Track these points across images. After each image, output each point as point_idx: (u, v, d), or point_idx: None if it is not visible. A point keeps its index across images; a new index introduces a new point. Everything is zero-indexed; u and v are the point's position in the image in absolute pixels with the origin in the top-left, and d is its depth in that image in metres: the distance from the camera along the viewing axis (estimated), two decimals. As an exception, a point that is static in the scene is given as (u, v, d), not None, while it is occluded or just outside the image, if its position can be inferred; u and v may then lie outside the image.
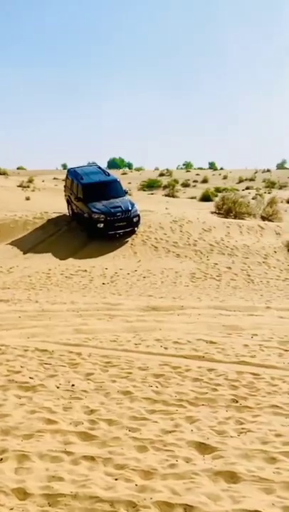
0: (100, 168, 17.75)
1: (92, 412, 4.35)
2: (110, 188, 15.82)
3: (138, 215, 15.50)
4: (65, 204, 18.22)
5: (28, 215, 18.31)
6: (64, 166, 68.44)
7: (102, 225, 14.88)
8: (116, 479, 3.22)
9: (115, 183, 16.33)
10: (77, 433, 3.91)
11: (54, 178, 44.45)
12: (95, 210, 15.04)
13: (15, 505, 2.93)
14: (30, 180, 38.54)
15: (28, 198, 29.19)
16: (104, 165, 78.97)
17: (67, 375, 5.37)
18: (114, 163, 74.20)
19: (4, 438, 3.81)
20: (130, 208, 15.29)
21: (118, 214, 14.97)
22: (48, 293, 10.75)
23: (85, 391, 4.87)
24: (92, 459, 3.49)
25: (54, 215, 18.37)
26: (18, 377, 5.24)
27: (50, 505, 2.93)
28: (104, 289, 11.12)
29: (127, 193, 16.48)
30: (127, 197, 16.32)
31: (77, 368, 5.62)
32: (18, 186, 36.22)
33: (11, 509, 2.89)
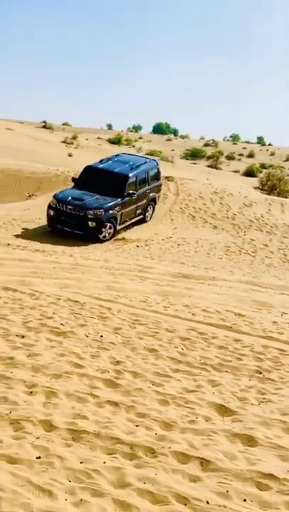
0: (132, 159, 14.78)
1: (118, 363, 4.50)
2: (110, 183, 12.72)
3: (103, 223, 11.91)
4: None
5: (70, 171, 18.42)
6: (109, 126, 67.93)
7: (52, 212, 12.16)
8: (137, 426, 3.36)
9: (121, 179, 12.85)
10: (103, 380, 4.07)
11: (98, 138, 44.25)
12: (59, 193, 12.70)
13: (41, 435, 3.11)
14: (74, 137, 38.54)
15: (70, 155, 29.34)
16: (148, 129, 77.64)
17: (96, 326, 5.53)
18: (159, 128, 72.95)
19: (34, 374, 4.00)
20: (92, 209, 11.85)
21: (70, 207, 11.88)
22: (82, 248, 10.94)
23: (112, 343, 5.02)
24: (115, 404, 3.64)
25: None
26: (50, 322, 5.44)
27: (73, 440, 3.10)
28: (138, 252, 11.21)
29: (132, 195, 12.80)
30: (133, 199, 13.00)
31: (106, 321, 5.78)
32: (62, 142, 36.34)
33: (38, 438, 3.08)
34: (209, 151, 42.77)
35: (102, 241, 11.97)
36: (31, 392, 3.68)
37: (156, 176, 14.35)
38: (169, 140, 53.54)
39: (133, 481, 2.74)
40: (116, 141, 43.57)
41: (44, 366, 4.17)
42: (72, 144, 36.16)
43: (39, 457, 2.86)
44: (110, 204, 12.23)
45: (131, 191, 12.78)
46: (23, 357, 4.35)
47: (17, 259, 8.79)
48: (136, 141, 48.39)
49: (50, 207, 12.25)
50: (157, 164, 14.64)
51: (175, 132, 70.98)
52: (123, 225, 12.89)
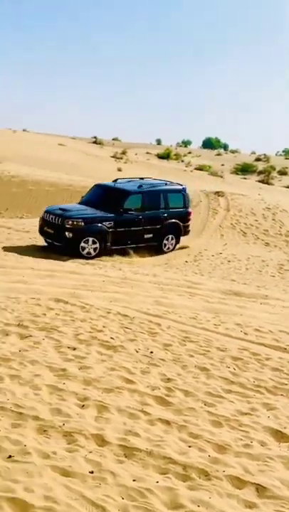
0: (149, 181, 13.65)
1: (168, 380, 4.47)
2: (110, 198, 12.00)
3: (83, 236, 11.01)
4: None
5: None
6: (158, 141, 68.84)
7: (39, 223, 11.93)
8: (189, 446, 3.32)
9: (120, 194, 12.04)
10: (154, 397, 4.06)
11: (147, 153, 44.93)
12: (54, 206, 12.67)
13: (93, 449, 3.14)
14: (124, 152, 39.33)
15: (119, 169, 29.95)
16: (198, 144, 77.75)
17: (146, 342, 5.54)
18: (209, 143, 73.00)
19: (86, 387, 4.06)
20: (71, 218, 11.13)
21: (51, 217, 11.34)
22: (130, 263, 11.04)
23: (162, 360, 5.00)
24: (167, 423, 3.61)
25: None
26: (100, 335, 5.51)
27: (126, 457, 3.11)
28: (187, 267, 11.18)
29: (128, 211, 11.70)
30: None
31: (156, 337, 5.78)
32: (112, 157, 37.23)
33: (90, 452, 3.10)
34: (261, 165, 42.21)
35: (86, 257, 10.87)
36: (83, 406, 3.73)
37: (181, 202, 12.86)
38: (218, 155, 53.44)
39: (187, 502, 2.70)
40: (165, 156, 44.04)
41: (95, 380, 4.22)
42: (121, 158, 36.91)
43: (92, 472, 2.88)
44: (96, 216, 11.41)
45: (130, 209, 11.66)
46: (75, 369, 4.42)
47: (67, 272, 9.02)
48: (185, 155, 48.67)
49: (40, 218, 11.97)
50: (183, 189, 13.12)
51: (225, 147, 70.74)
52: (120, 246, 11.49)
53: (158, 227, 12.31)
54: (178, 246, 12.85)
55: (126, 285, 8.43)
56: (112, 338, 5.47)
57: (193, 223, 14.66)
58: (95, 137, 52.22)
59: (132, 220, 11.77)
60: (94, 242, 11.14)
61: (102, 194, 12.34)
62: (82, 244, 11.00)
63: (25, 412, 3.49)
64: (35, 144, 37.84)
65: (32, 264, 9.27)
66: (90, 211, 11.67)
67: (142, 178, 13.62)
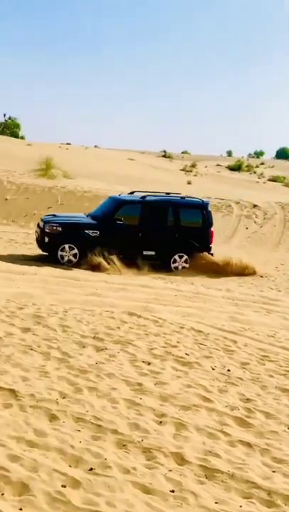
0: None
1: (248, 400, 4.35)
2: (106, 207, 11.68)
3: (60, 242, 10.70)
4: (227, 191, 18.23)
5: (190, 198, 18.80)
6: (229, 153, 68.23)
7: (36, 231, 11.82)
8: (274, 471, 3.19)
9: (114, 202, 11.53)
10: (233, 417, 3.96)
11: (217, 165, 44.65)
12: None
13: (173, 468, 3.12)
14: (193, 165, 39.41)
15: (189, 182, 30.02)
16: (272, 154, 75.82)
17: (222, 359, 5.45)
18: (283, 153, 71.07)
19: (163, 404, 4.06)
20: (50, 223, 10.91)
21: (41, 224, 11.26)
22: (203, 277, 10.93)
23: (240, 379, 4.88)
24: (248, 445, 3.50)
25: (215, 201, 18.53)
26: (174, 351, 5.50)
27: (206, 478, 3.05)
28: (262, 282, 10.87)
29: (114, 220, 10.89)
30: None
31: (233, 354, 5.66)
32: (181, 170, 37.44)
33: (170, 470, 3.09)
34: None
35: (66, 264, 10.48)
36: (161, 422, 3.73)
37: (199, 219, 11.39)
38: (293, 165, 51.80)
39: (273, 532, 2.59)
40: (236, 168, 43.51)
41: (172, 396, 4.21)
42: (191, 171, 37.00)
43: (173, 491, 2.86)
44: (77, 222, 11.09)
45: (120, 219, 10.83)
46: (151, 384, 4.45)
47: (139, 285, 9.15)
48: (257, 167, 47.76)
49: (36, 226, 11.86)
50: (204, 205, 11.56)
51: (301, 157, 68.49)
52: (112, 257, 10.41)
53: (163, 244, 11.13)
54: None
55: (199, 300, 8.37)
56: (186, 354, 5.44)
57: (269, 236, 14.32)
58: (164, 151, 52.92)
59: (123, 231, 10.90)
60: (71, 249, 10.68)
61: (104, 205, 12.03)
62: (60, 252, 10.63)
63: (104, 425, 3.55)
64: (106, 159, 39.12)
65: (105, 278, 9.52)
66: (76, 218, 11.47)
67: (168, 193, 12.30)
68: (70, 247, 10.71)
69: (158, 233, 11.16)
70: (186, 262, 11.20)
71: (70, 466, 3.02)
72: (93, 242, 10.63)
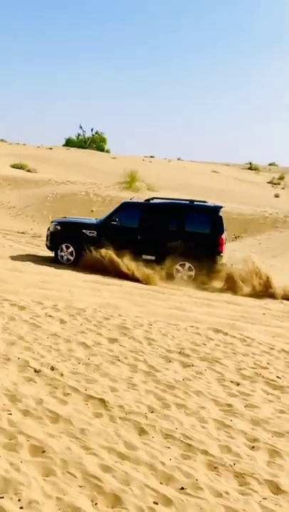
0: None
1: None
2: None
3: (58, 241, 11.36)
4: None
5: (279, 212, 18.25)
6: None
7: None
8: None
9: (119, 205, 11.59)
10: None
11: (307, 177, 42.90)
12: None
13: (268, 496, 3.00)
14: (281, 178, 38.27)
15: (277, 196, 29.18)
16: None
17: None
18: None
19: (254, 428, 3.93)
20: (54, 222, 11.78)
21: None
22: None
23: None
24: None
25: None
26: (265, 372, 5.32)
27: (305, 511, 2.89)
28: None
29: (111, 221, 11.16)
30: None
31: None
32: (268, 183, 36.53)
33: (264, 498, 2.97)
34: None
35: (63, 263, 10.98)
36: (253, 447, 3.61)
37: (207, 225, 10.59)
38: None
39: None
40: None
41: (264, 421, 4.07)
42: (278, 184, 35.96)
43: (269, 521, 2.75)
44: (76, 222, 11.66)
45: (115, 220, 11.01)
46: (241, 406, 4.33)
47: (225, 301, 9.02)
48: None
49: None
50: (213, 210, 10.76)
51: None
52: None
53: (163, 249, 10.45)
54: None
55: (289, 320, 8.05)
56: (278, 377, 5.23)
57: None
58: (249, 163, 52.02)
59: (121, 232, 10.95)
60: (67, 247, 11.17)
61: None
62: (60, 252, 11.25)
63: (194, 445, 3.52)
64: (189, 172, 39.34)
65: (188, 292, 9.51)
66: (80, 220, 12.10)
67: (192, 201, 11.36)
68: (66, 246, 11.22)
69: (159, 237, 10.77)
70: (190, 269, 10.38)
71: (161, 483, 3.03)
72: (90, 242, 10.83)
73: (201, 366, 5.30)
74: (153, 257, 10.60)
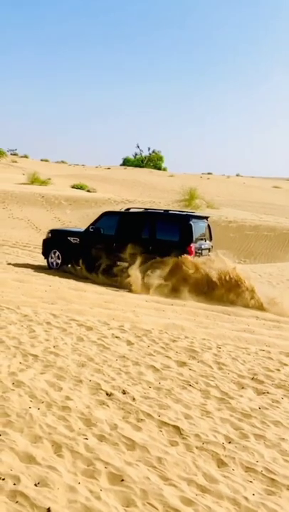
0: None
1: None
2: None
3: (48, 247, 12.78)
4: None
5: None
6: None
7: None
8: None
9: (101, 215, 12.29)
10: None
11: None
12: None
13: None
14: None
15: None
16: None
17: None
18: None
19: None
20: (47, 233, 13.54)
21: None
22: None
23: None
24: None
25: None
26: None
27: None
28: None
29: (92, 229, 11.94)
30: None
31: None
32: None
33: None
34: None
35: (53, 268, 12.29)
36: None
37: (176, 234, 10.74)
38: None
39: None
40: None
41: None
42: None
43: None
44: (64, 230, 13.11)
45: (97, 227, 11.79)
46: None
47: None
48: None
49: None
50: (184, 219, 10.85)
51: None
52: (91, 267, 11.37)
53: (136, 256, 10.64)
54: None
55: None
56: None
57: None
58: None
59: (100, 240, 11.59)
60: (54, 253, 12.39)
61: None
62: (50, 259, 12.49)
63: (278, 480, 3.35)
64: (249, 187, 38.79)
65: (256, 313, 9.25)
66: (68, 229, 13.39)
67: (167, 210, 11.94)
68: (53, 251, 12.41)
69: (132, 245, 10.95)
70: (159, 276, 10.26)
71: (246, 521, 2.89)
72: (74, 249, 11.98)
73: (276, 394, 5.08)
74: (126, 264, 10.90)
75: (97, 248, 11.54)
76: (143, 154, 57.15)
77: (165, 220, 11.26)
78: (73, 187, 37.18)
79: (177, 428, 4.00)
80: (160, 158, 56.37)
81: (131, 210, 12.14)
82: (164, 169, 54.74)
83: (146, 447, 3.63)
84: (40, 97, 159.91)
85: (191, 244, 10.57)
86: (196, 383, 5.15)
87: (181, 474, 3.33)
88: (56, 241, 12.51)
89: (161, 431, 3.96)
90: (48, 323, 7.04)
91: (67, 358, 5.52)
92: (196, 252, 10.62)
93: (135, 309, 8.62)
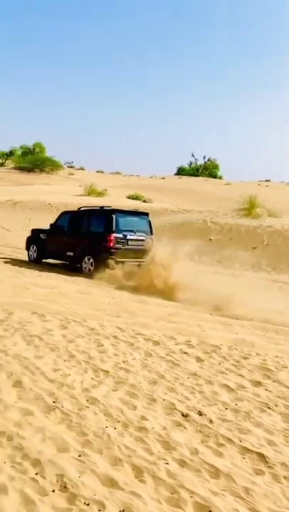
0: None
1: None
2: None
3: (29, 243, 16.06)
4: None
5: None
6: None
7: None
8: None
9: (60, 214, 15.73)
10: None
11: None
12: None
13: None
14: None
15: None
16: None
17: None
18: None
19: None
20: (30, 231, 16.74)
21: None
22: None
23: None
24: None
25: None
26: None
27: None
28: None
29: (54, 226, 15.14)
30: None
31: None
32: None
33: None
34: None
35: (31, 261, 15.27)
36: None
37: (102, 225, 13.17)
38: None
39: None
40: None
41: None
42: None
43: None
44: (39, 229, 15.79)
45: (57, 224, 14.83)
46: None
47: None
48: None
49: None
50: (109, 213, 13.23)
51: None
52: (52, 257, 14.90)
53: (77, 247, 13.62)
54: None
55: None
56: None
57: None
58: None
59: (56, 235, 14.55)
60: (32, 247, 15.41)
61: None
62: (29, 251, 15.56)
63: None
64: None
65: None
66: (42, 228, 15.66)
67: (102, 207, 14.16)
68: (32, 246, 15.43)
69: (75, 238, 13.85)
70: (91, 264, 13.05)
71: None
72: (43, 243, 15.10)
73: None
74: (72, 253, 13.87)
75: (54, 241, 14.63)
76: (198, 163, 56.87)
77: (97, 216, 13.64)
78: (129, 197, 37.59)
79: (262, 455, 3.79)
80: (215, 167, 55.86)
81: (82, 209, 14.60)
82: (220, 177, 54.18)
83: (231, 476, 3.45)
84: (94, 110, 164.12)
85: (112, 234, 12.78)
86: (276, 406, 4.90)
87: (272, 507, 3.12)
88: (33, 238, 15.55)
89: (244, 458, 3.76)
90: (115, 337, 7.02)
91: (138, 374, 5.45)
92: (117, 241, 12.81)
93: (200, 323, 8.44)
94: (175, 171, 62.77)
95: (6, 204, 32.41)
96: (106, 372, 5.42)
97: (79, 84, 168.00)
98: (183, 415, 4.45)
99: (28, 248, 15.74)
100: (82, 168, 69.51)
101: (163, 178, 54.52)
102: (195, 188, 42.31)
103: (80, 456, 3.54)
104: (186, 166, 59.68)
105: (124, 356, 6.09)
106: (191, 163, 58.42)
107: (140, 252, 12.75)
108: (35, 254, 15.42)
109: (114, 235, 12.75)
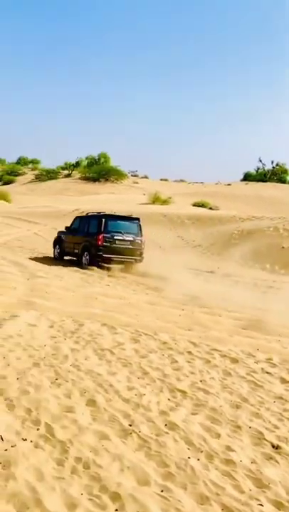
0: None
1: None
2: None
3: (55, 242, 18.88)
4: None
5: None
6: None
7: None
8: None
9: (74, 219, 18.47)
10: None
11: None
12: None
13: None
14: None
15: None
16: None
17: None
18: None
19: None
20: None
21: None
22: None
23: None
24: None
25: None
26: None
27: None
28: None
29: (69, 228, 17.92)
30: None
31: None
32: None
33: None
34: None
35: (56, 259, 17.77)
36: None
37: (95, 227, 15.80)
38: None
39: None
40: None
41: None
42: None
43: None
44: (61, 231, 18.29)
45: (71, 227, 17.60)
46: None
47: None
48: None
49: None
50: (100, 217, 15.96)
51: None
52: (69, 255, 17.37)
53: (80, 245, 16.35)
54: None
55: None
56: None
57: None
58: None
59: (70, 235, 17.28)
60: (56, 248, 18.03)
61: None
62: (55, 250, 18.25)
63: None
64: None
65: None
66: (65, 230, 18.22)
67: (99, 212, 16.99)
68: (56, 246, 18.09)
69: (80, 237, 16.51)
70: (87, 259, 15.74)
71: None
72: (63, 243, 17.71)
73: None
74: (77, 251, 16.54)
75: (68, 241, 17.37)
76: (266, 168, 55.18)
77: (94, 219, 16.27)
78: (194, 205, 37.14)
79: None
80: (285, 171, 53.95)
81: (90, 214, 17.41)
82: (289, 182, 52.25)
83: None
84: (154, 118, 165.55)
85: (101, 234, 15.38)
86: None
87: None
88: (58, 239, 18.18)
89: None
90: (189, 352, 6.65)
91: (218, 396, 5.04)
92: (105, 240, 15.31)
93: (280, 339, 7.87)
94: (241, 176, 61.45)
95: (73, 214, 33.13)
96: (183, 392, 5.06)
97: (136, 96, 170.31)
98: (273, 447, 3.99)
99: (54, 248, 18.44)
100: (146, 177, 69.99)
101: (229, 185, 53.48)
102: (263, 194, 41.04)
103: (162, 491, 3.21)
104: (252, 171, 58.19)
105: (200, 375, 5.71)
106: (258, 169, 56.84)
107: (127, 250, 15.48)
108: (57, 252, 17.99)
109: (102, 234, 15.41)
